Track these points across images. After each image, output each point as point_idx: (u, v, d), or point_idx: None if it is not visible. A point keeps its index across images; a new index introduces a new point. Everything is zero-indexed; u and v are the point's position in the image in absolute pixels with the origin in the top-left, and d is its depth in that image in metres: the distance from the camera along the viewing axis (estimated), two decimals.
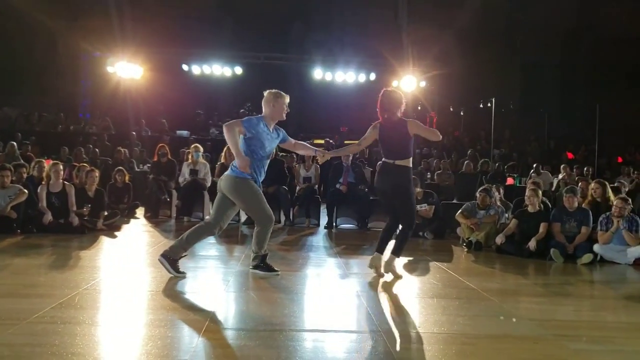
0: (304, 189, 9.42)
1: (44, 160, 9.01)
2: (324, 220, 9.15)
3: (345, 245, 7.41)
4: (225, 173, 4.93)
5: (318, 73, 18.76)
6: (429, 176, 12.70)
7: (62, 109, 18.02)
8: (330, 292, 4.76)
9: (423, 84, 18.07)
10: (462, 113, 19.99)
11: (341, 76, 18.78)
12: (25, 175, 8.01)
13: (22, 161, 9.24)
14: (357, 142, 5.53)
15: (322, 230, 8.80)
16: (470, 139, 18.26)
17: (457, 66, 17.65)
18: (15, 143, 12.13)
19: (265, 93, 5.01)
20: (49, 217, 7.41)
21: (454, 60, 17.59)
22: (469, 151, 15.36)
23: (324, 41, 18.37)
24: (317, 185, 9.76)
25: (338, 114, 19.15)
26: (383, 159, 5.20)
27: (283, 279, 4.96)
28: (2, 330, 3.19)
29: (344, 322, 3.82)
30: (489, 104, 15.76)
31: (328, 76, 18.79)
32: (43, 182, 7.75)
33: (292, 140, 5.29)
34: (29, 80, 17.26)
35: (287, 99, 5.02)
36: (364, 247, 7.35)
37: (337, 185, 9.21)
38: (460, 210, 7.61)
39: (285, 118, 5.03)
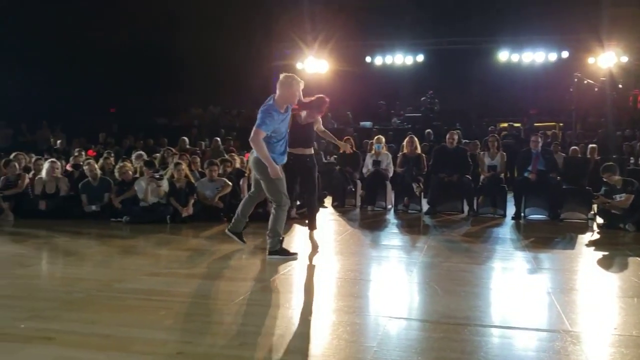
0: (489, 178, 9.16)
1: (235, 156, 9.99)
2: (510, 210, 8.81)
3: (534, 237, 7.07)
4: (255, 154, 5.32)
5: (504, 55, 18.00)
6: (632, 161, 11.52)
7: (257, 105, 19.48)
8: (518, 288, 4.62)
9: (625, 59, 16.32)
10: None
11: (529, 56, 17.78)
12: (229, 169, 8.92)
13: (226, 156, 10.27)
14: None
15: (508, 221, 8.49)
16: None
17: None
18: (219, 139, 13.53)
19: (282, 76, 5.30)
20: None
21: None
22: None
23: (510, 20, 17.49)
24: (502, 174, 9.42)
25: (525, 95, 18.18)
26: None
27: (467, 272, 4.93)
28: (215, 310, 3.67)
29: (532, 320, 3.70)
30: None
31: (514, 57, 17.92)
32: (246, 174, 8.58)
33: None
34: (229, 79, 18.94)
35: (302, 85, 5.41)
36: (556, 240, 6.97)
37: (526, 174, 8.80)
38: None
39: (295, 103, 5.41)
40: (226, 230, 5.82)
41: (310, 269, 5.12)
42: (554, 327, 3.50)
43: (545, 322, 3.69)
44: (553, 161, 9.02)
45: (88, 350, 2.91)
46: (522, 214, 8.67)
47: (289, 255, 5.34)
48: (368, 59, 19.09)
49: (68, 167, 9.75)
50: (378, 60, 19.05)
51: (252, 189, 5.75)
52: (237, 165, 9.33)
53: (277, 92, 5.32)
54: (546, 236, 7.24)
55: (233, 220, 5.82)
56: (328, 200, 10.41)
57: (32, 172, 9.01)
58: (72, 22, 17.38)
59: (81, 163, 9.35)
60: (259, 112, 5.29)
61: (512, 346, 3.15)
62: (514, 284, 4.79)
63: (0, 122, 16.11)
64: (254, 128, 5.21)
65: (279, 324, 3.39)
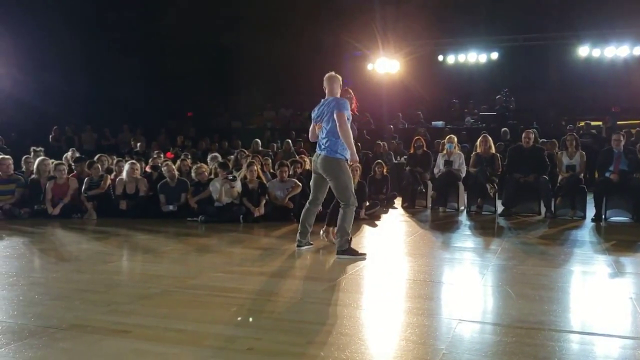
0: (567, 178, 8.78)
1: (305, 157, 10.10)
2: (590, 212, 8.42)
3: (615, 240, 6.72)
4: (323, 154, 5.35)
5: (584, 50, 17.25)
6: None
7: None
8: (597, 293, 4.41)
9: None
10: None
11: (612, 51, 16.94)
12: (299, 170, 9.02)
13: (296, 157, 10.40)
14: None
15: (588, 223, 8.11)
16: None
17: None
18: (290, 140, 13.72)
19: (333, 75, 5.59)
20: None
21: None
22: None
23: (591, 14, 16.71)
24: (582, 174, 9.01)
25: (606, 92, 17.32)
26: None
27: (543, 275, 4.75)
28: (284, 307, 3.72)
29: (612, 326, 3.51)
30: None
31: (595, 52, 17.13)
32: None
33: None
34: (299, 82, 19.15)
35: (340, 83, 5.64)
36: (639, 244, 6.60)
37: (607, 174, 8.38)
38: None
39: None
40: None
41: (379, 269, 5.09)
42: (637, 334, 3.32)
43: (628, 329, 3.50)
44: (637, 161, 8.55)
45: (162, 344, 3.02)
46: (603, 216, 8.27)
47: (357, 255, 5.34)
48: (440, 58, 18.79)
49: (147, 169, 10.17)
50: (450, 59, 18.72)
51: (311, 193, 5.80)
52: (307, 166, 9.42)
53: (327, 87, 5.57)
54: (629, 239, 6.88)
55: (304, 237, 5.88)
56: (398, 201, 10.32)
57: (114, 173, 9.47)
58: (152, 32, 18.14)
59: (160, 165, 9.73)
60: (328, 109, 5.44)
61: (589, 353, 3.01)
62: (593, 288, 4.57)
63: (86, 127, 17.03)
64: (335, 115, 5.34)
65: (346, 323, 3.39)
